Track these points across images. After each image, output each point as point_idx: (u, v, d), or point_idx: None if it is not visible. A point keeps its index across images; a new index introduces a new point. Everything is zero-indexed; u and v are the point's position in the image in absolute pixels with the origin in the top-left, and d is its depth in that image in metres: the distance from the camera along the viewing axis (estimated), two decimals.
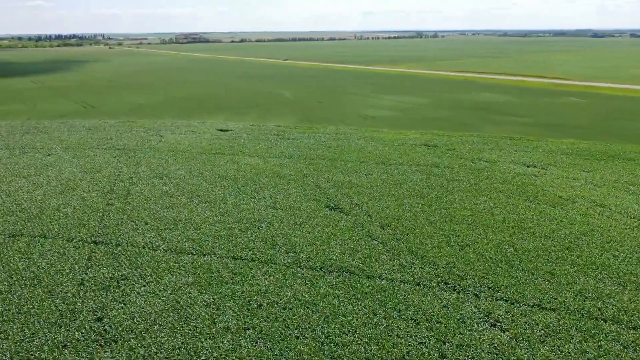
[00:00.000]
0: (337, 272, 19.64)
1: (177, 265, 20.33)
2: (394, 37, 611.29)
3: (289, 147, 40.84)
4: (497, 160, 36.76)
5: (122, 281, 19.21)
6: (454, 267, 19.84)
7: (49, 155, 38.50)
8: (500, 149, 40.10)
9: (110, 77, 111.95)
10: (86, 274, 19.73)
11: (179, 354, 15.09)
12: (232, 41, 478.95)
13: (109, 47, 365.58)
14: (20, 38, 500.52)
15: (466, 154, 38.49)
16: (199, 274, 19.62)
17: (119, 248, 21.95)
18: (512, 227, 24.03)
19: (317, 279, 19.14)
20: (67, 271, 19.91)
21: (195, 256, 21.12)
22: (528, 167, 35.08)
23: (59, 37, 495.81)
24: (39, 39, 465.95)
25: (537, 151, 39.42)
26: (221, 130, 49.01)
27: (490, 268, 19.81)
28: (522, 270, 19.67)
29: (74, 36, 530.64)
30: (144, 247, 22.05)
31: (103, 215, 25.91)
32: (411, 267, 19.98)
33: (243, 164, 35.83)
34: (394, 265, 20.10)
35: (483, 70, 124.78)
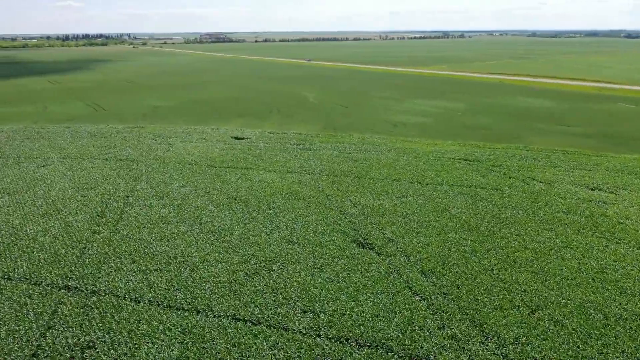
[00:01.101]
0: (368, 346, 14.76)
1: (161, 327, 15.75)
2: (420, 38, 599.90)
3: (310, 160, 36.11)
4: (553, 180, 31.27)
5: (88, 351, 14.73)
6: (527, 345, 14.74)
7: (43, 166, 34.64)
8: (555, 166, 34.53)
9: (129, 77, 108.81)
10: (45, 337, 15.31)
11: None
12: (256, 41, 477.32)
13: (134, 47, 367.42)
14: (49, 37, 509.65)
15: (515, 172, 33.08)
16: (187, 343, 14.98)
17: (94, 298, 17.49)
18: (593, 279, 18.74)
19: (342, 357, 14.28)
20: (22, 333, 15.55)
21: (185, 313, 16.50)
22: (593, 190, 29.52)
23: (86, 36, 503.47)
24: (66, 38, 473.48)
25: (599, 169, 33.70)
26: (236, 138, 44.63)
27: (578, 348, 14.64)
28: (623, 352, 14.45)
29: (101, 36, 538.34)
30: (124, 297, 17.56)
31: (85, 247, 21.58)
32: (468, 341, 14.96)
33: (257, 180, 31.24)
34: (444, 337, 15.11)
35: (517, 72, 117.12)
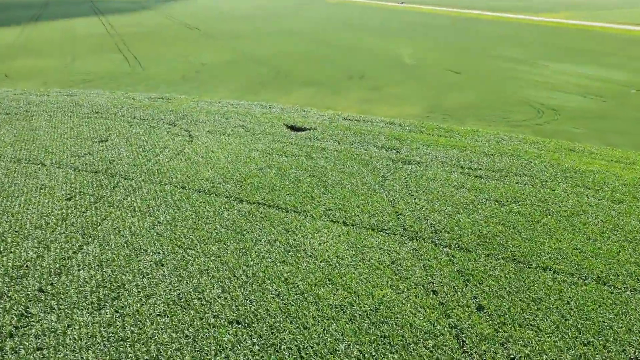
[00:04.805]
0: None
1: None
2: None
3: (410, 193, 19.82)
4: None
5: None
6: None
7: None
8: None
9: (194, 21, 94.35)
10: None
11: None
12: None
13: None
14: None
15: None
16: None
17: None
18: None
19: None
20: None
21: None
22: None
23: None
24: None
25: None
26: (293, 127, 29.08)
27: None
28: None
29: None
30: None
31: None
32: None
33: (307, 254, 15.64)
34: None
35: None
